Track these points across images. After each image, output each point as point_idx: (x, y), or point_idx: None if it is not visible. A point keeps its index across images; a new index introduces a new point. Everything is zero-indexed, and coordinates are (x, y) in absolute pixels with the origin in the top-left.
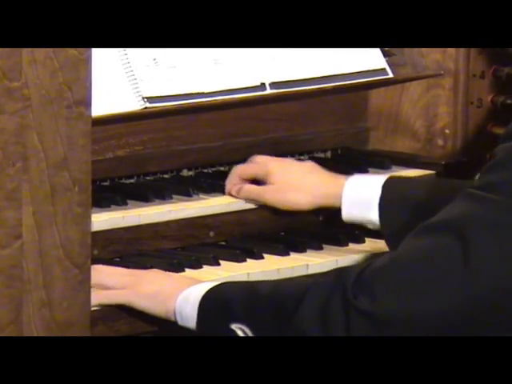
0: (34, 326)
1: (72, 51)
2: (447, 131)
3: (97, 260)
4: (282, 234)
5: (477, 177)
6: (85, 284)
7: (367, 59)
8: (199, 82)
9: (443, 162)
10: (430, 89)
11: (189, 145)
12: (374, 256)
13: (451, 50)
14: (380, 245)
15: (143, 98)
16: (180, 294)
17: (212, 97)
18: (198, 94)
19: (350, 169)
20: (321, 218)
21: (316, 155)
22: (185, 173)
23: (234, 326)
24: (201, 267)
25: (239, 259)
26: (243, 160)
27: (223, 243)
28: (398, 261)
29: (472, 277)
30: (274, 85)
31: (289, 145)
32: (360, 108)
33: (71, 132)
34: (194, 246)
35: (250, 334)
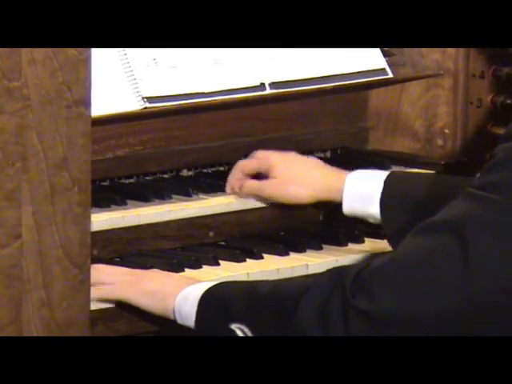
0: (33, 326)
1: (72, 51)
2: (447, 131)
3: (96, 260)
4: (282, 233)
5: (477, 176)
6: (84, 284)
7: (367, 59)
8: (199, 82)
9: (443, 162)
10: (429, 89)
11: (188, 145)
12: (373, 256)
13: (451, 50)
14: (380, 245)
15: (143, 97)
16: (179, 293)
17: (212, 97)
18: (198, 93)
19: (350, 169)
20: (321, 218)
21: (316, 155)
22: (184, 173)
23: (233, 326)
24: (200, 267)
25: (239, 259)
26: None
27: (223, 243)
28: (397, 260)
29: (472, 277)
30: (273, 85)
31: (288, 145)
32: (360, 108)
33: (71, 132)
34: (193, 246)
35: (249, 333)
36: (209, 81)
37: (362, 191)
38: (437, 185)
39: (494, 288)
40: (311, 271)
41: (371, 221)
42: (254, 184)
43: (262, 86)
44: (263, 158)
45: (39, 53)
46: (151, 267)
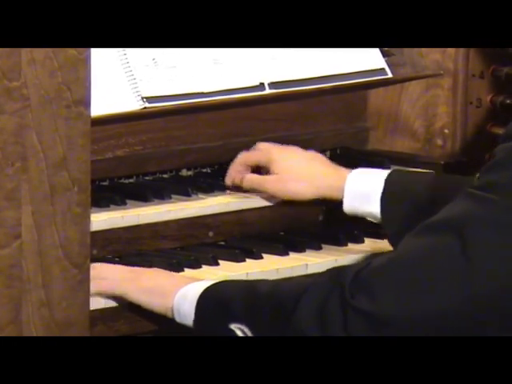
0: (33, 326)
1: (71, 51)
2: (446, 131)
3: (96, 260)
4: (282, 233)
5: (476, 176)
6: (84, 284)
7: (366, 59)
8: (198, 82)
9: (442, 162)
10: (429, 89)
11: (188, 145)
12: (373, 256)
13: (450, 50)
14: (380, 245)
15: (142, 97)
16: (178, 291)
17: (211, 97)
18: (198, 93)
19: (350, 169)
20: (320, 218)
21: None
22: (184, 173)
23: (232, 326)
24: (200, 267)
25: (238, 259)
26: None
27: (222, 243)
28: (397, 260)
29: (472, 276)
30: (273, 85)
31: (288, 145)
32: (359, 108)
33: (70, 132)
34: (193, 246)
35: (248, 333)
36: (208, 81)
37: (362, 190)
38: (437, 184)
39: (494, 287)
40: (311, 271)
41: (371, 219)
42: (254, 178)
43: (261, 86)
44: (264, 151)
45: (39, 53)
46: (151, 267)
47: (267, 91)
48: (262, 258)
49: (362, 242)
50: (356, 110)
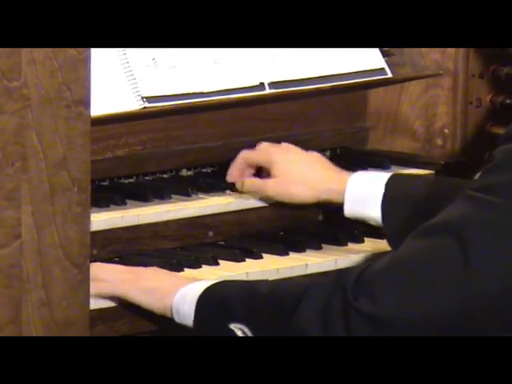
0: (33, 326)
1: (71, 51)
2: (446, 131)
3: (96, 260)
4: (281, 233)
5: (476, 177)
6: (84, 284)
7: (366, 59)
8: (198, 82)
9: (442, 162)
10: (429, 89)
11: (188, 145)
12: (373, 256)
13: (450, 50)
14: (380, 245)
15: (142, 97)
16: (178, 292)
17: (211, 97)
18: (198, 93)
19: (350, 169)
20: (320, 218)
21: None
22: (184, 173)
23: (232, 326)
24: (200, 267)
25: (238, 259)
26: None
27: (222, 243)
28: (397, 262)
29: (471, 277)
30: (273, 85)
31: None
32: (359, 108)
33: (70, 132)
34: (193, 246)
35: (248, 333)
36: (208, 81)
37: (363, 194)
38: (438, 187)
39: (494, 288)
40: (310, 271)
41: (372, 223)
42: (255, 182)
43: (261, 86)
44: (266, 152)
45: (39, 53)
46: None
47: (267, 91)
48: (261, 257)
49: (362, 241)
50: (356, 109)
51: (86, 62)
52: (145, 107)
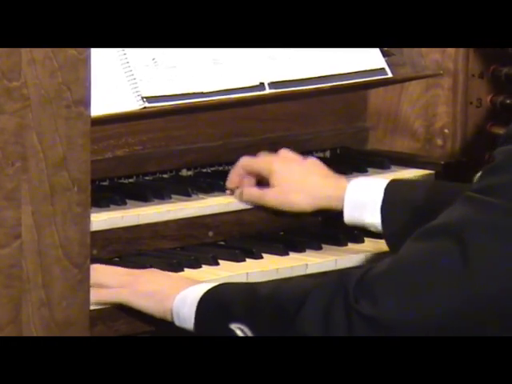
0: (33, 326)
1: (71, 51)
2: (446, 131)
3: (96, 260)
4: (281, 233)
5: (476, 177)
6: (84, 284)
7: (366, 59)
8: (198, 82)
9: (442, 162)
10: (429, 89)
11: (188, 145)
12: (373, 256)
13: (450, 50)
14: (380, 245)
15: (142, 97)
16: (177, 295)
17: (211, 97)
18: (197, 93)
19: (350, 169)
20: (320, 218)
21: (315, 155)
22: (184, 173)
23: (233, 326)
24: (200, 267)
25: (238, 259)
26: None
27: (222, 243)
28: (398, 265)
29: (471, 278)
30: (272, 85)
31: (288, 145)
32: (359, 108)
33: (70, 132)
34: (193, 246)
35: (249, 334)
36: (208, 81)
37: (362, 200)
38: (437, 192)
39: (494, 288)
40: (311, 271)
41: (372, 230)
42: (254, 192)
43: (261, 86)
44: (266, 161)
45: (39, 53)
46: (150, 267)
47: (267, 91)
48: (261, 257)
49: (362, 241)
50: (356, 109)
51: (86, 62)
52: (145, 107)
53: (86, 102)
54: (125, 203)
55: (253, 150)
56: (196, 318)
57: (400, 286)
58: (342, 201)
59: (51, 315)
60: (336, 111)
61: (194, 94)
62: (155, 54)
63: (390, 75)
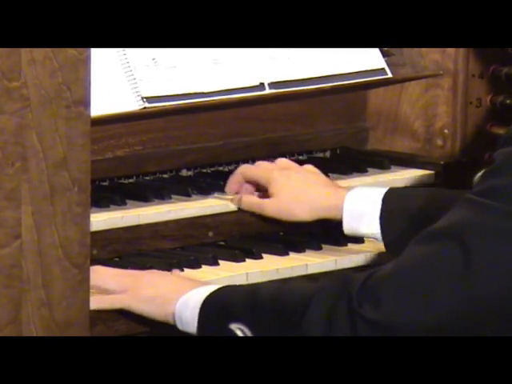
0: (33, 326)
1: (71, 51)
2: (446, 131)
3: (96, 260)
4: (281, 233)
5: (475, 178)
6: (84, 284)
7: (366, 59)
8: (198, 82)
9: (442, 162)
10: (429, 89)
11: (188, 145)
12: (373, 256)
13: (450, 50)
14: (379, 245)
15: (142, 97)
16: (179, 299)
17: (211, 97)
18: (198, 93)
19: (350, 169)
20: None
21: (315, 155)
22: (184, 173)
23: (233, 327)
24: (200, 267)
25: (238, 259)
26: (242, 160)
27: (222, 243)
28: (400, 269)
29: (473, 280)
30: (273, 85)
31: (288, 145)
32: (359, 108)
33: (70, 132)
34: (193, 246)
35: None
36: (208, 81)
37: (360, 210)
38: (436, 199)
39: (495, 290)
40: (311, 271)
41: (372, 238)
42: (253, 201)
43: (261, 86)
44: (265, 169)
45: (39, 53)
46: (151, 267)
47: (267, 91)
48: (261, 258)
49: (362, 241)
50: (356, 110)
51: (86, 62)
52: (145, 107)
53: (86, 102)
54: (125, 203)
55: (253, 150)
56: (199, 322)
57: (402, 289)
58: (341, 211)
59: (51, 315)
60: (336, 111)
61: (194, 94)
62: (155, 54)
63: (389, 75)
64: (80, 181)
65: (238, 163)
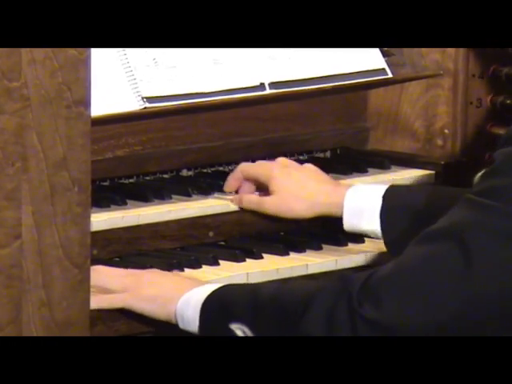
0: (33, 326)
1: (71, 51)
2: (446, 131)
3: (96, 260)
4: (282, 233)
5: (475, 178)
6: (84, 284)
7: (366, 59)
8: (199, 82)
9: (442, 162)
10: (429, 89)
11: (188, 145)
12: (373, 256)
13: (450, 50)
14: (380, 245)
15: (143, 97)
16: (181, 297)
17: (211, 97)
18: (198, 94)
19: (350, 169)
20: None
21: (315, 155)
22: (184, 173)
23: (234, 327)
24: (200, 267)
25: (238, 259)
26: (242, 160)
27: (222, 243)
28: (401, 269)
29: (473, 280)
30: (273, 85)
31: (288, 145)
32: (359, 108)
33: (71, 132)
34: (193, 246)
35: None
36: (208, 81)
37: (361, 208)
38: (436, 197)
39: (496, 290)
40: (311, 271)
41: (372, 236)
42: (253, 199)
43: (261, 86)
44: (265, 167)
45: (39, 53)
46: (151, 267)
47: (267, 91)
48: (262, 257)
49: (362, 241)
50: (356, 110)
51: (86, 62)
52: (145, 107)
53: (86, 102)
54: (125, 203)
55: (253, 151)
56: (200, 320)
57: (403, 289)
58: (342, 207)
59: (51, 315)
60: (336, 111)
61: (194, 94)
62: (155, 54)
63: (390, 75)
64: (80, 181)
65: (238, 163)
